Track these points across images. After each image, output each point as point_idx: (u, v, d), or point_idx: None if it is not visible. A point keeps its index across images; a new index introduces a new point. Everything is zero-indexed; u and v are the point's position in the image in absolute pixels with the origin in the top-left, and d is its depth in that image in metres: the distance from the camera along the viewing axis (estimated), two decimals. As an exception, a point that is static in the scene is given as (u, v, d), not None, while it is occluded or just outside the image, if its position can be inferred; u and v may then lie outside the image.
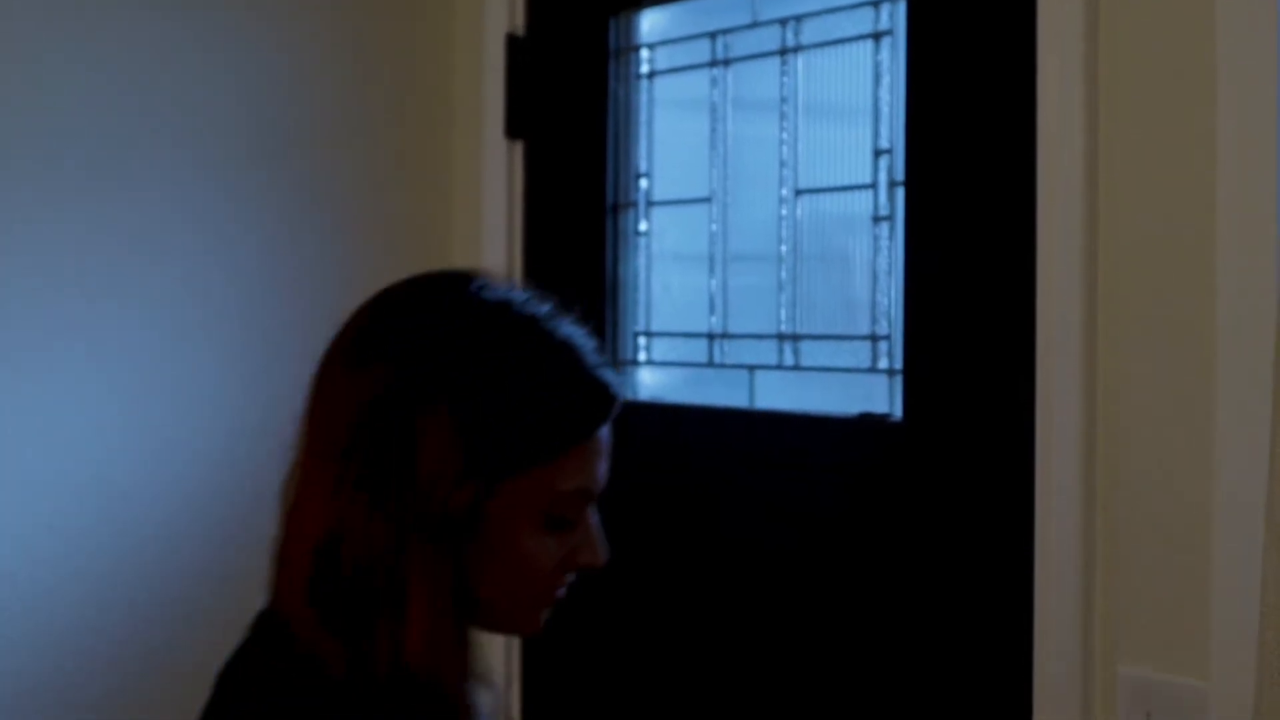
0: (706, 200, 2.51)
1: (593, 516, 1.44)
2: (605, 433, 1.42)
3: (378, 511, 1.34)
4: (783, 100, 2.39)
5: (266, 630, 1.43)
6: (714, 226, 2.50)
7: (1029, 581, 2.01)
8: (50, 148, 2.42)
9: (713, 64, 2.50)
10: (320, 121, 2.69)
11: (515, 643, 2.67)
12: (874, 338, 2.27)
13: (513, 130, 2.74)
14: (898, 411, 2.23)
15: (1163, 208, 1.84)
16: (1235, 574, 1.73)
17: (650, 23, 2.61)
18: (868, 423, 2.26)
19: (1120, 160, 1.89)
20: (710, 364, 2.49)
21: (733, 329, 2.48)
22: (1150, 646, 1.84)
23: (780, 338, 2.40)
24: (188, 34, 2.55)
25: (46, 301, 2.42)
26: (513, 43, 2.73)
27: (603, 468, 1.43)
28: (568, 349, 1.40)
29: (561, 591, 1.45)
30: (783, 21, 2.39)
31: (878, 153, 2.27)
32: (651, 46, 2.60)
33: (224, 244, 2.59)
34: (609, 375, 1.42)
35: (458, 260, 2.79)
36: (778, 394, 2.41)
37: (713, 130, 2.50)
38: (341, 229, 2.71)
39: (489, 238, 2.75)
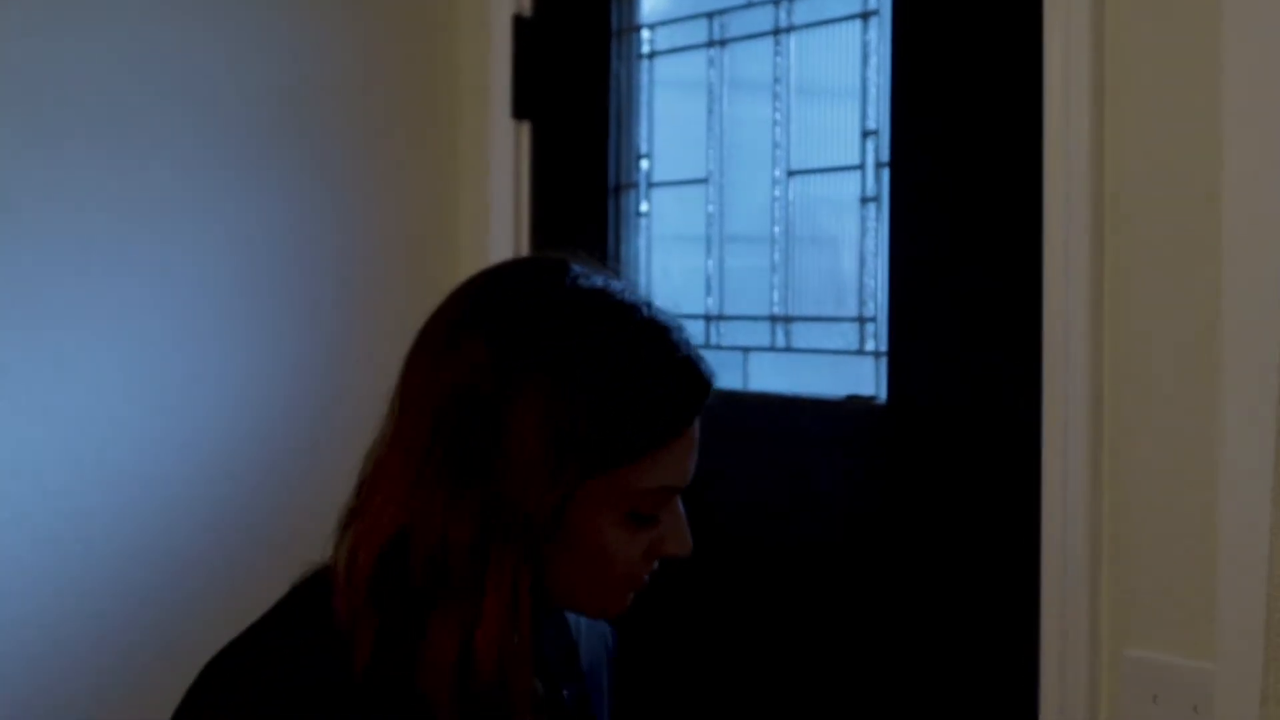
0: (704, 181, 2.50)
1: (678, 506, 1.42)
2: (695, 426, 1.39)
3: (459, 505, 1.32)
4: (776, 81, 2.38)
5: (309, 593, 1.41)
6: (710, 208, 2.49)
7: (1033, 566, 1.99)
8: (56, 124, 2.45)
9: (710, 44, 2.49)
10: (329, 101, 2.69)
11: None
12: (861, 320, 2.26)
13: (520, 111, 2.74)
14: (884, 394, 2.21)
15: (1168, 196, 1.82)
16: (1242, 556, 1.71)
17: (651, 2, 2.60)
18: (854, 405, 2.25)
19: (1127, 147, 1.86)
20: (707, 345, 2.49)
21: (729, 311, 2.47)
22: (1157, 629, 1.83)
23: (773, 319, 2.39)
24: (194, 18, 2.57)
25: (52, 281, 2.44)
26: (519, 23, 2.73)
27: (691, 461, 1.40)
28: (659, 343, 1.37)
29: (646, 578, 1.43)
30: (776, 1, 2.37)
31: (865, 134, 2.25)
32: (652, 26, 2.60)
33: (232, 225, 2.61)
34: (702, 367, 1.39)
35: (465, 242, 2.80)
36: (771, 376, 2.40)
37: (709, 111, 2.49)
38: (349, 210, 2.72)
39: (496, 219, 2.75)
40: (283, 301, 2.66)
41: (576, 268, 1.41)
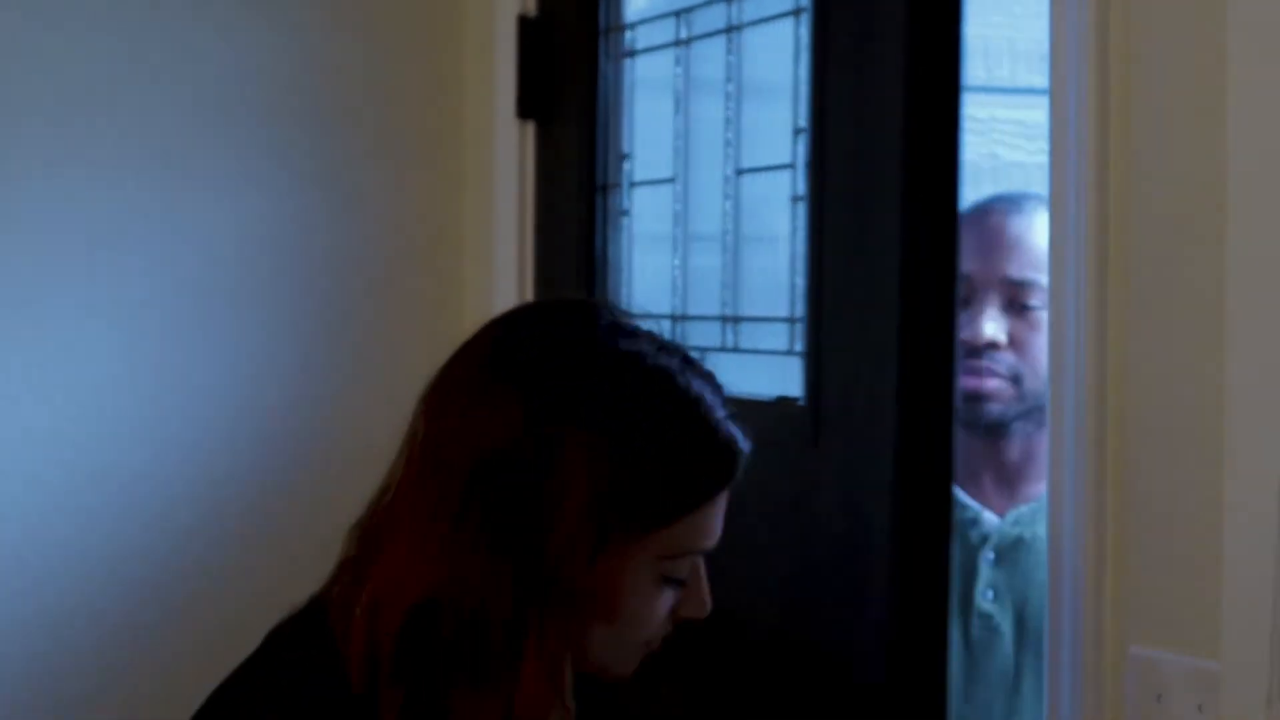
0: (671, 181, 2.51)
1: (701, 567, 1.41)
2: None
3: (497, 569, 1.30)
4: (728, 79, 2.38)
5: (299, 639, 1.38)
6: (677, 207, 2.50)
7: (944, 565, 1.99)
8: (60, 119, 2.55)
9: (677, 43, 2.50)
10: (334, 99, 2.75)
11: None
12: (792, 320, 2.24)
13: (524, 110, 2.77)
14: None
15: (1173, 194, 1.78)
16: (1248, 553, 1.66)
17: (636, 1, 2.61)
18: (781, 407, 2.23)
19: (1132, 146, 1.82)
20: (673, 345, 2.48)
21: (691, 311, 2.47)
22: (1161, 626, 1.79)
23: (723, 320, 2.38)
24: (196, 15, 2.65)
25: (53, 278, 2.54)
26: (524, 23, 2.76)
27: (720, 522, 1.41)
28: (700, 402, 1.38)
29: (660, 641, 1.43)
30: (729, -2, 2.37)
31: (796, 131, 2.23)
32: (633, 25, 2.61)
33: (235, 221, 2.68)
34: (736, 430, 1.39)
35: (469, 242, 2.84)
36: (725, 377, 2.38)
37: (676, 110, 2.50)
38: (354, 209, 2.76)
39: (501, 218, 2.78)
40: (286, 298, 2.71)
41: (604, 314, 1.41)
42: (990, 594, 2.32)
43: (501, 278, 2.75)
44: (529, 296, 2.74)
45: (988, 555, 2.33)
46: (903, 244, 2.02)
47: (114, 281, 2.59)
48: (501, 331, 1.40)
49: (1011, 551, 2.32)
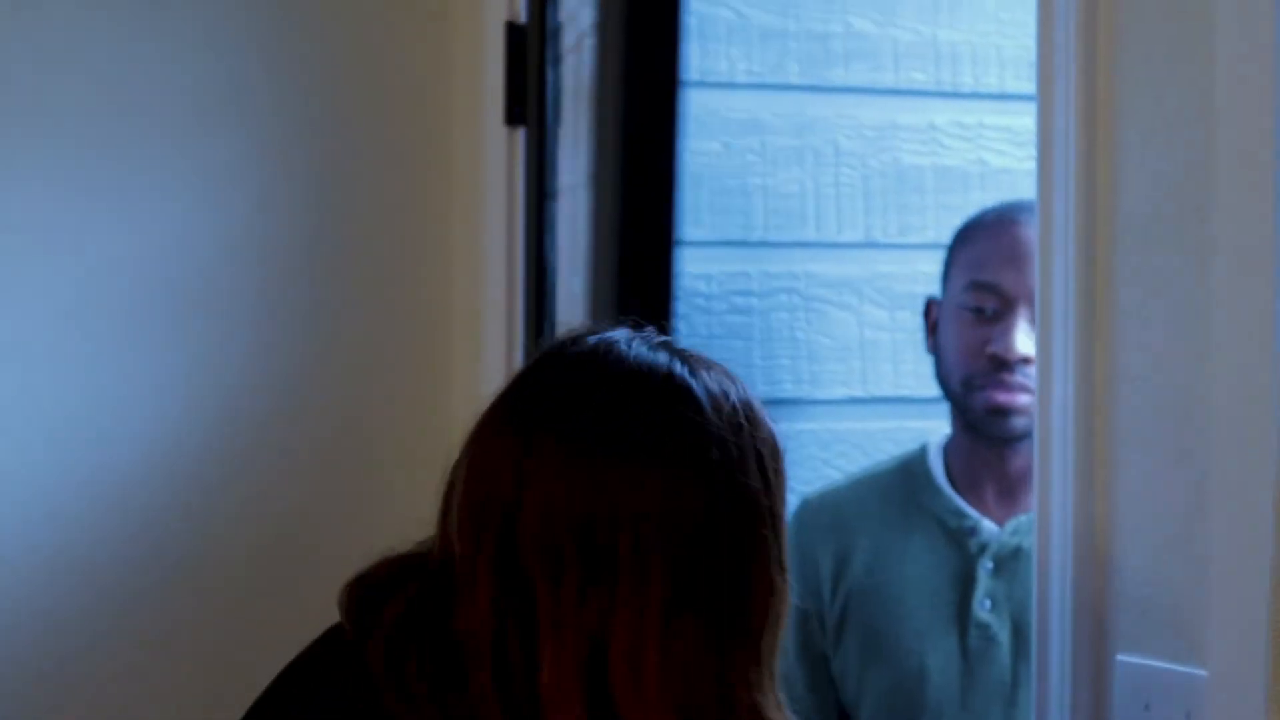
0: (574, 186, 2.47)
1: None
2: None
3: (722, 650, 1.33)
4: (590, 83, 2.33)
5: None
6: (576, 213, 2.46)
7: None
8: (43, 113, 2.61)
9: (576, 47, 2.45)
10: (323, 106, 2.77)
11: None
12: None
13: (512, 118, 2.75)
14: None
15: (1163, 204, 1.74)
16: (1235, 560, 1.65)
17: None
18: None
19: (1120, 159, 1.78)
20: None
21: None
22: (1149, 634, 1.77)
23: (596, 327, 2.34)
24: (185, 19, 2.70)
25: (37, 279, 2.62)
26: (512, 30, 2.74)
27: None
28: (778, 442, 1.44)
29: None
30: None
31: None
32: (556, 30, 2.57)
33: (224, 228, 2.71)
34: None
35: (458, 249, 2.82)
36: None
37: (575, 114, 2.46)
38: (342, 215, 2.77)
39: (489, 225, 2.77)
40: (273, 303, 2.74)
41: (670, 353, 1.42)
42: (988, 604, 2.29)
43: (490, 284, 2.74)
44: (517, 305, 2.71)
45: (986, 564, 2.30)
46: (620, 244, 1.99)
47: (99, 282, 2.65)
48: (598, 400, 1.38)
49: (1010, 561, 2.29)
